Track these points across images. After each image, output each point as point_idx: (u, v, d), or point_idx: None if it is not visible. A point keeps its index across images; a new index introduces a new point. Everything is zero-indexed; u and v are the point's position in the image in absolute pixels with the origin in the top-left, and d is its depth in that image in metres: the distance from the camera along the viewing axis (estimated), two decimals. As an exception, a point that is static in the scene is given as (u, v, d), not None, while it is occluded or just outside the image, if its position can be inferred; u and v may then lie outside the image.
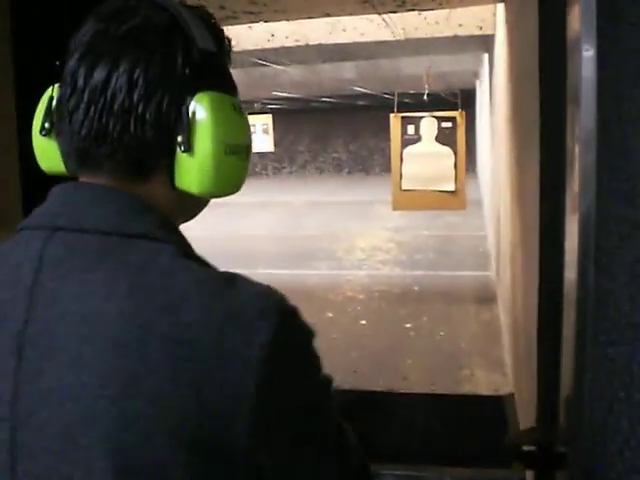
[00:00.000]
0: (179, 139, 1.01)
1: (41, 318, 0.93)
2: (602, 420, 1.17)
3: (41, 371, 0.91)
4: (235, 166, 1.05)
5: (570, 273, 1.51)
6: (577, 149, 1.33)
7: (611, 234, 1.13)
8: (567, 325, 1.56)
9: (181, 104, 1.01)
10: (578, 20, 1.27)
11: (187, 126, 1.01)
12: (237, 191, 1.11)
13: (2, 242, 1.02)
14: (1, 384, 0.93)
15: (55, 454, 0.90)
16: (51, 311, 0.93)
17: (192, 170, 1.02)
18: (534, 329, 2.37)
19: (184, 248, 1.00)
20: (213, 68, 1.06)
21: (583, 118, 1.23)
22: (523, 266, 4.41)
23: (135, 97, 0.99)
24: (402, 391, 5.10)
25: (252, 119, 16.00)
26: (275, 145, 17.10)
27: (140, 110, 0.99)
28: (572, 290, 1.42)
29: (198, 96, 1.01)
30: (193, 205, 1.10)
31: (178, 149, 1.01)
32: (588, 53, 1.21)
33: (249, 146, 1.09)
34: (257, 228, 15.18)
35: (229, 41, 1.13)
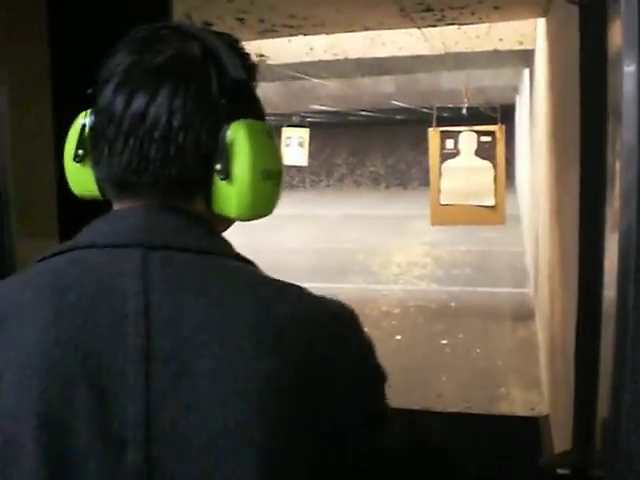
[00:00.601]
0: (218, 167, 1.04)
1: (166, 334, 0.93)
2: (640, 445, 1.13)
3: (178, 386, 0.92)
4: (270, 191, 1.09)
5: (609, 293, 1.48)
6: (618, 166, 1.30)
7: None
8: (605, 346, 1.52)
9: (218, 132, 1.03)
10: (619, 35, 1.24)
11: (225, 154, 1.03)
12: (270, 214, 1.13)
13: (41, 251, 1.03)
14: (127, 405, 0.91)
15: (202, 466, 0.91)
16: (176, 326, 0.94)
17: (231, 197, 1.05)
18: (572, 349, 2.33)
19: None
20: (245, 95, 1.09)
21: (624, 134, 1.20)
22: (562, 284, 4.35)
23: (175, 126, 1.01)
24: (437, 409, 5.03)
25: (289, 132, 16.00)
26: (310, 159, 17.10)
27: (180, 139, 1.01)
28: (611, 310, 1.38)
29: (234, 124, 1.04)
30: (225, 225, 1.13)
31: (216, 177, 1.04)
32: (630, 68, 1.18)
33: (281, 171, 1.12)
34: (294, 241, 15.18)
35: (256, 67, 1.15)
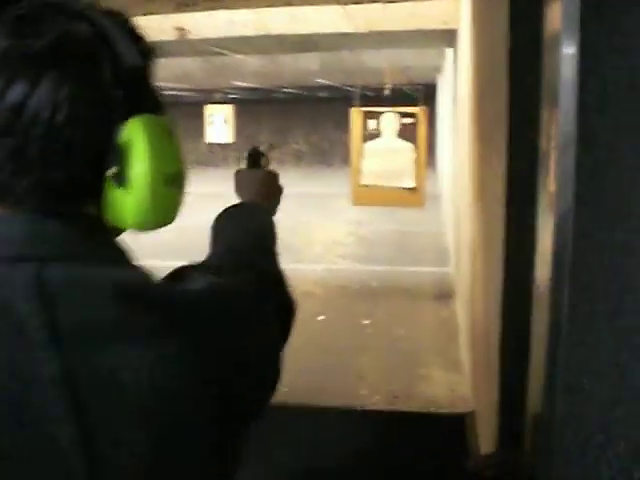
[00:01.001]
0: (111, 171, 0.90)
1: (79, 351, 0.83)
2: (574, 455, 1.06)
3: (107, 405, 0.83)
4: (173, 198, 0.96)
5: (541, 274, 1.41)
6: (552, 150, 1.24)
7: (593, 253, 1.02)
8: (536, 342, 1.46)
9: (111, 130, 0.90)
10: (557, 14, 1.17)
11: (119, 157, 0.90)
12: (172, 222, 1.01)
13: None
14: (61, 435, 0.81)
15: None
16: (88, 342, 0.84)
17: (126, 205, 0.92)
18: (494, 334, 2.28)
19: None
20: (142, 86, 0.96)
21: (561, 118, 1.12)
22: (483, 265, 4.32)
23: (59, 121, 0.86)
24: (362, 408, 4.95)
25: (212, 109, 15.79)
26: (236, 135, 16.92)
27: (66, 137, 0.87)
28: (541, 292, 1.32)
29: (131, 121, 0.90)
30: (117, 232, 1.00)
31: (110, 182, 0.91)
32: (568, 50, 1.10)
33: (185, 171, 0.99)
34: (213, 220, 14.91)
35: (154, 52, 1.00)
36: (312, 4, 6.50)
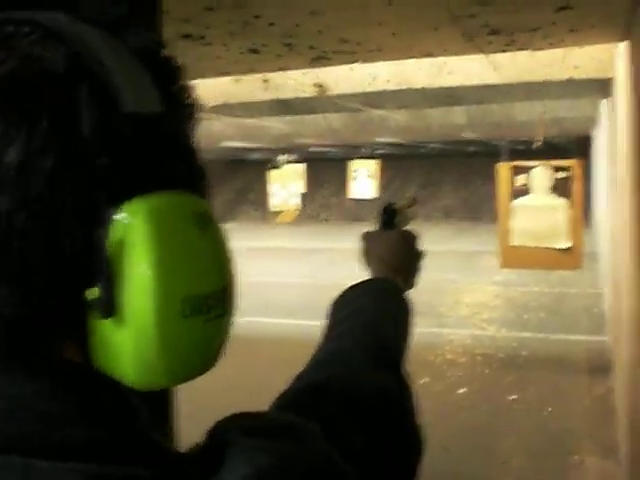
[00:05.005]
0: (92, 293, 0.54)
1: None
2: None
3: None
4: (203, 332, 0.57)
5: None
6: None
7: None
8: None
9: (93, 223, 0.53)
10: None
11: (106, 269, 0.53)
12: (210, 368, 0.61)
13: None
14: None
15: None
16: None
17: (122, 349, 0.55)
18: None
19: None
20: (157, 146, 0.57)
21: None
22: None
23: (2, 211, 0.52)
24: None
25: (356, 164, 15.65)
26: (381, 190, 16.71)
27: (16, 230, 0.52)
28: None
29: (127, 208, 0.53)
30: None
31: (92, 311, 0.55)
32: None
33: (226, 287, 0.59)
34: (357, 276, 14.63)
35: (192, 95, 0.62)
36: (455, 54, 6.09)
